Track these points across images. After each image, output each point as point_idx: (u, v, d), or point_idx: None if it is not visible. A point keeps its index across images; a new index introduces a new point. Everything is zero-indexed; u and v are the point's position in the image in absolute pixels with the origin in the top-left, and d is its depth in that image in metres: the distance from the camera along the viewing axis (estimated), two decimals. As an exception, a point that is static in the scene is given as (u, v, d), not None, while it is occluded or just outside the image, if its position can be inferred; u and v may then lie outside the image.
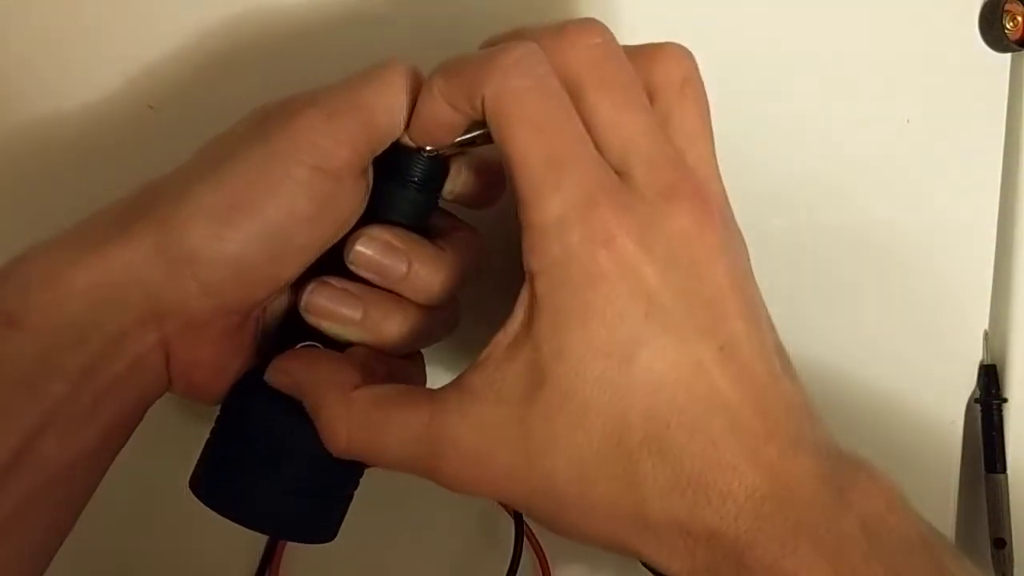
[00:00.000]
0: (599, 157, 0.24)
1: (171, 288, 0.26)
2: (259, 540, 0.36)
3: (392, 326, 0.29)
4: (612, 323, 0.24)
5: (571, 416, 0.24)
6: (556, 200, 0.24)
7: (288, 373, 0.29)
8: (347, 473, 0.30)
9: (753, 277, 0.26)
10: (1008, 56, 0.45)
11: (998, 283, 0.45)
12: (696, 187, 0.25)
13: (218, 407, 0.30)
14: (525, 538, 0.37)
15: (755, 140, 0.36)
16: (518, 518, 0.37)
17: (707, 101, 0.27)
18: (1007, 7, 0.43)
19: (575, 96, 0.25)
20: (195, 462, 0.30)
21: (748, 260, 0.27)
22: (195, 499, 0.29)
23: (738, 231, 0.27)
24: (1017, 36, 0.43)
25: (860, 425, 0.42)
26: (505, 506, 0.37)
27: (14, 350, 0.25)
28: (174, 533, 0.36)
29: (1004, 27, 0.43)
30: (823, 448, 0.25)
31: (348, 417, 0.27)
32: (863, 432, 0.42)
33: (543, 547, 0.38)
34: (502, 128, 0.24)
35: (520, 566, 0.37)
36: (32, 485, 0.25)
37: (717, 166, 0.27)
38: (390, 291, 0.29)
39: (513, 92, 0.24)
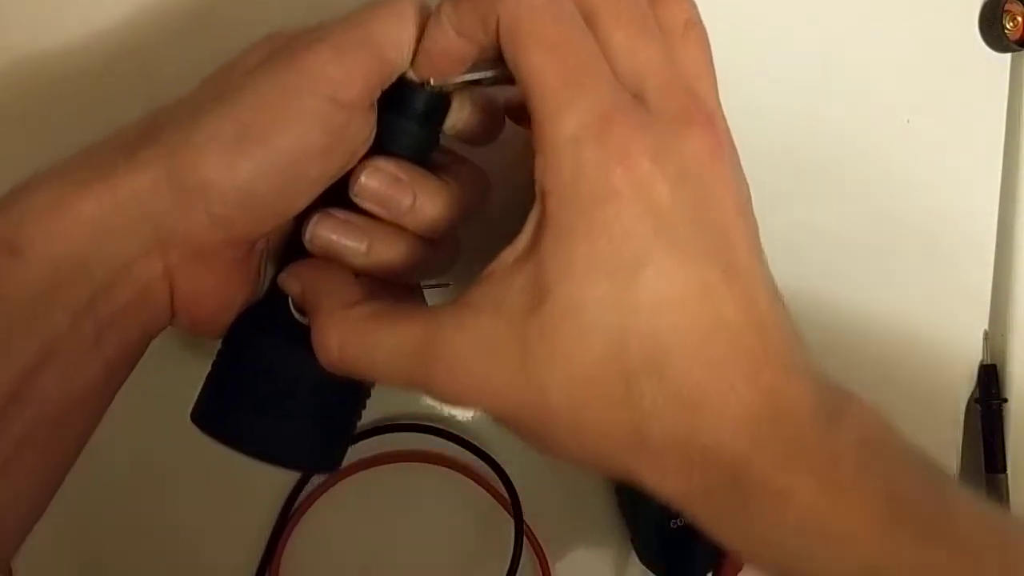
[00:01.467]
0: (614, 77, 0.24)
1: (179, 218, 0.26)
2: (259, 540, 0.36)
3: (395, 257, 0.29)
4: (619, 240, 0.23)
5: (570, 334, 0.24)
6: (571, 118, 0.23)
7: (299, 279, 0.29)
8: (348, 401, 0.31)
9: (754, 215, 0.26)
10: (1008, 56, 0.45)
11: (998, 283, 0.45)
12: (708, 115, 0.25)
13: (219, 342, 0.30)
14: (525, 538, 0.37)
15: (754, 139, 0.36)
16: (518, 518, 0.37)
17: (709, 43, 0.27)
18: (1007, 7, 0.43)
19: (589, 26, 0.25)
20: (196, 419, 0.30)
21: (750, 198, 0.26)
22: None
23: (742, 168, 0.26)
24: (1017, 36, 0.43)
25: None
26: (503, 503, 0.37)
27: (14, 281, 0.24)
28: (174, 534, 0.36)
29: (1004, 27, 0.43)
30: (817, 375, 0.25)
31: (342, 326, 0.26)
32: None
33: (543, 547, 0.38)
34: (517, 47, 0.24)
35: (520, 566, 0.37)
36: (31, 423, 0.25)
37: (721, 105, 0.27)
38: (392, 223, 0.29)
39: (528, 10, 0.24)
